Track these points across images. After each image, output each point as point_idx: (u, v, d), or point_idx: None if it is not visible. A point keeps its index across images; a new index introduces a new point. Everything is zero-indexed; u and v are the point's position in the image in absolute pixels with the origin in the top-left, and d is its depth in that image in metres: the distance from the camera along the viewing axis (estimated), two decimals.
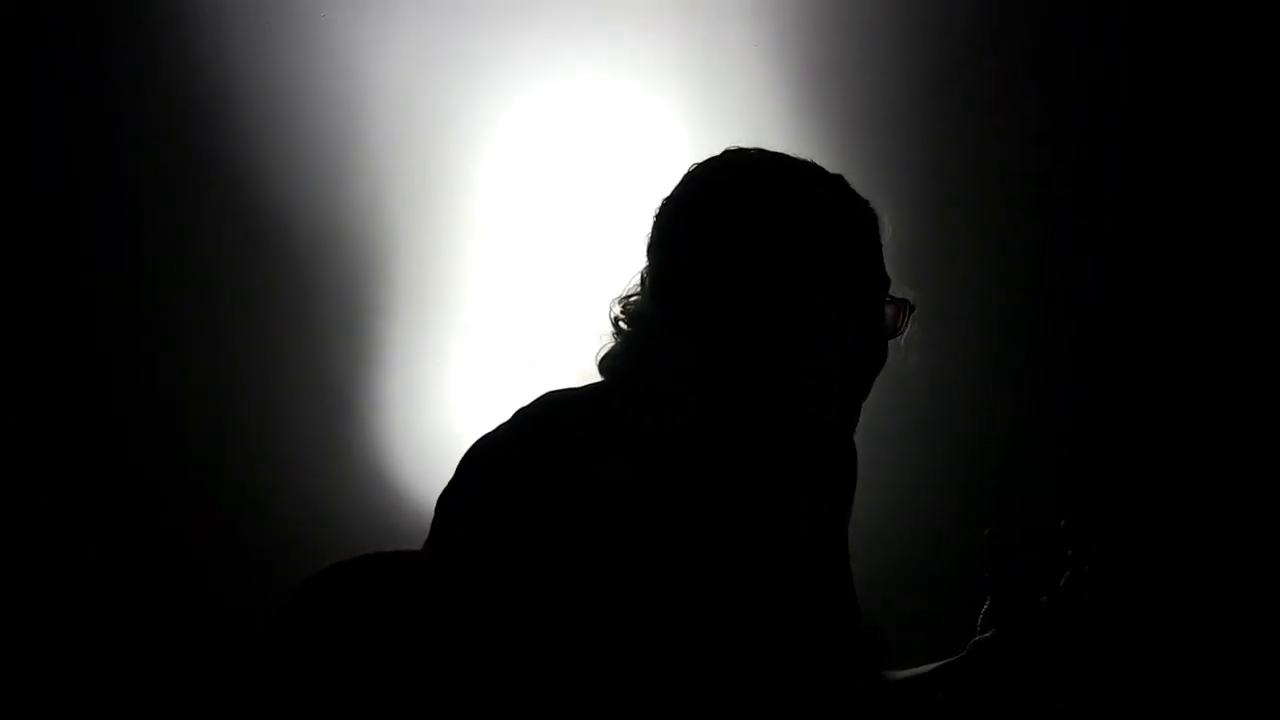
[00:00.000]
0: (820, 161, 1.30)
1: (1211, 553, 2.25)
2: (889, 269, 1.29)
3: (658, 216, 1.29)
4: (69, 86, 1.96)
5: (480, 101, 2.10)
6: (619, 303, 1.31)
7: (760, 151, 1.29)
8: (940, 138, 2.30)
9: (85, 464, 2.01)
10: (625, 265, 1.31)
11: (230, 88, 2.01)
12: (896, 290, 1.30)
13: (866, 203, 1.28)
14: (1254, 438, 2.29)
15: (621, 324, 1.30)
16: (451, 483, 1.22)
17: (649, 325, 1.27)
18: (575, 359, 1.36)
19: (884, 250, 1.29)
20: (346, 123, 2.06)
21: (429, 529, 1.24)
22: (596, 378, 1.32)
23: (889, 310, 1.27)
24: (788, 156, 1.28)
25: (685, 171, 1.30)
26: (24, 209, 1.96)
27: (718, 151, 1.30)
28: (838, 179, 1.28)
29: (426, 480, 2.09)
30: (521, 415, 1.25)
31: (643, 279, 1.29)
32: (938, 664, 1.40)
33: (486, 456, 1.22)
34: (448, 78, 2.09)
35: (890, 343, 1.30)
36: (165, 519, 2.05)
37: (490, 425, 1.26)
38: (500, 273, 2.12)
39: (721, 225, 1.24)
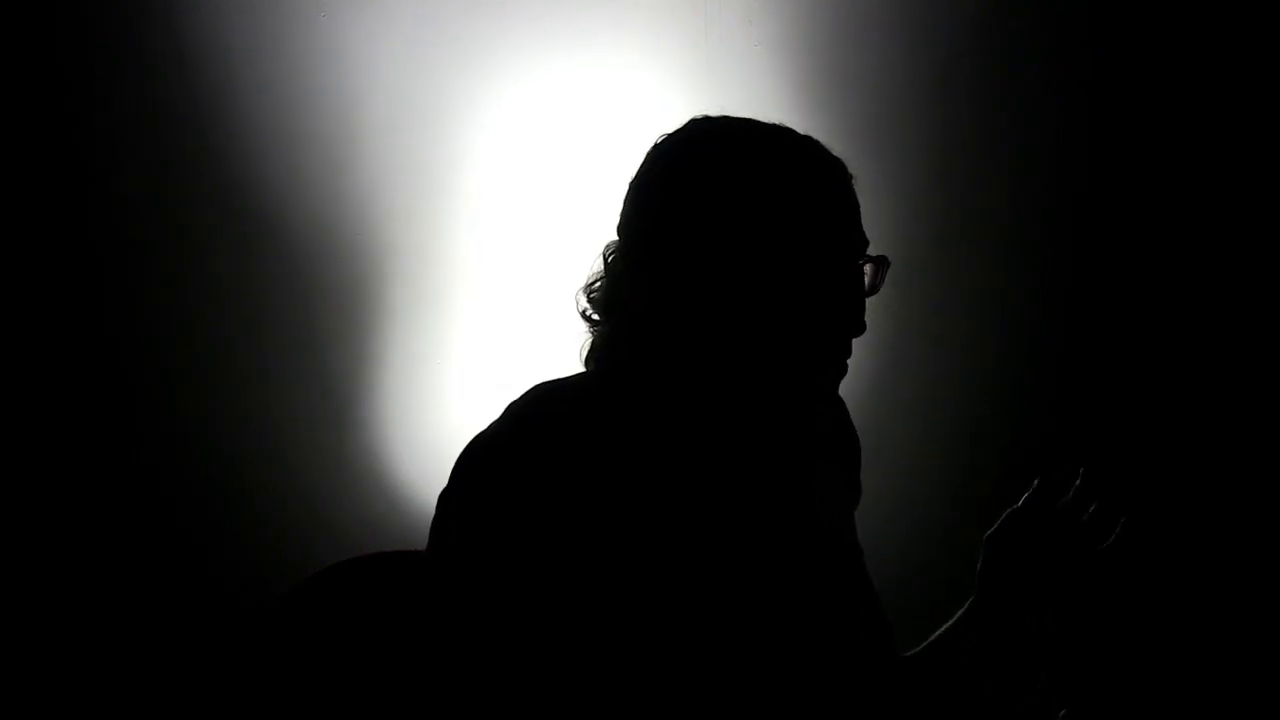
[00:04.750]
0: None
1: (1207, 549, 2.26)
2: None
3: (629, 194, 1.27)
4: (64, 87, 1.95)
5: (477, 98, 2.10)
6: (584, 293, 1.29)
7: (727, 118, 1.27)
8: (944, 132, 2.30)
9: (81, 464, 2.01)
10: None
11: (228, 87, 2.01)
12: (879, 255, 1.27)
13: (840, 162, 1.26)
14: (1259, 440, 2.29)
15: (590, 315, 1.28)
16: (449, 483, 1.22)
17: (627, 306, 1.25)
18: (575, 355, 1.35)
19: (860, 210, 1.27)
20: (343, 119, 2.06)
21: (429, 529, 1.24)
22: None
23: (867, 269, 1.25)
24: (757, 121, 1.26)
25: (651, 145, 1.27)
26: (19, 210, 1.96)
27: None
28: (809, 140, 1.26)
29: (426, 480, 2.09)
30: (513, 410, 1.24)
31: (606, 262, 1.27)
32: (945, 628, 1.41)
33: (481, 455, 1.21)
34: (444, 72, 2.08)
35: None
36: (162, 520, 2.05)
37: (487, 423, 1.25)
38: (498, 270, 2.11)
39: (697, 195, 1.21)
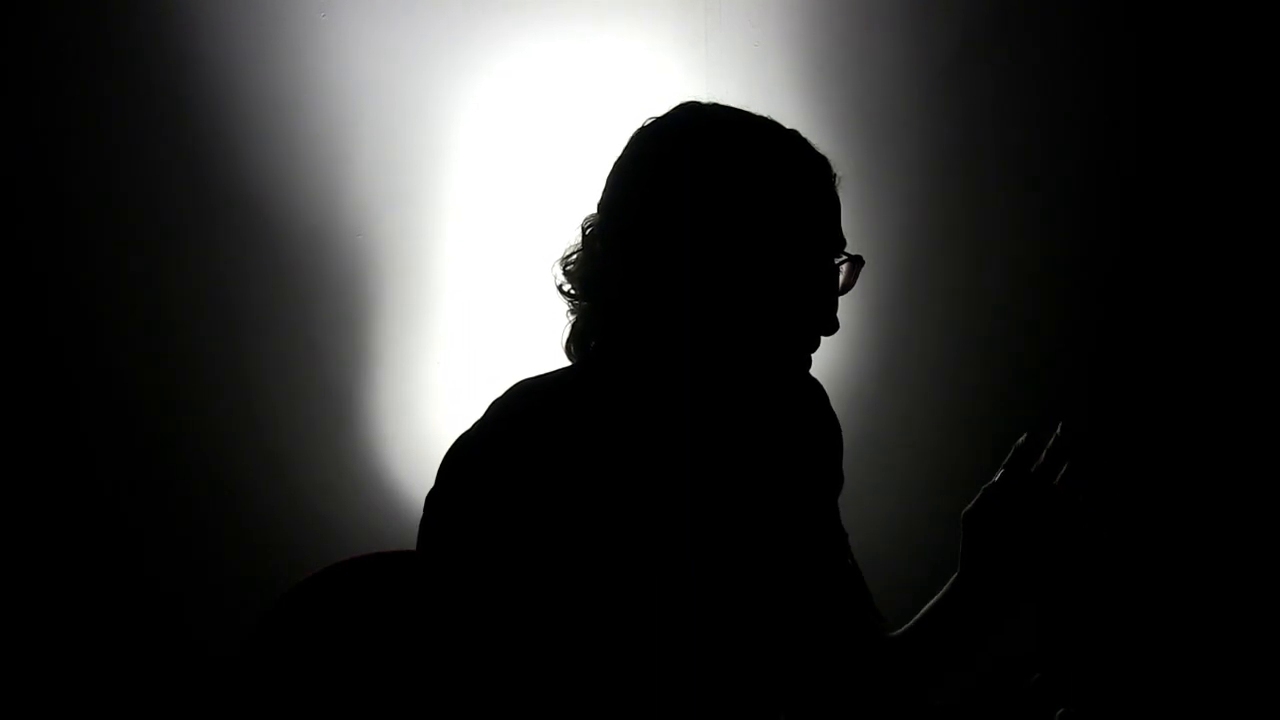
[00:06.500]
0: (823, 153, 1.28)
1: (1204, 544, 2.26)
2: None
3: (613, 173, 1.27)
4: (62, 87, 1.96)
5: (476, 99, 2.09)
6: (560, 265, 1.28)
7: (715, 105, 1.27)
8: (944, 131, 2.29)
9: (78, 464, 2.01)
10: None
11: (224, 87, 2.01)
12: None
13: (824, 160, 1.25)
14: (1254, 430, 2.30)
15: (567, 290, 1.28)
16: (435, 484, 1.22)
17: (606, 290, 1.24)
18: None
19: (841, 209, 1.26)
20: (340, 120, 2.06)
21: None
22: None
23: (843, 268, 1.25)
24: (744, 111, 1.26)
25: (639, 127, 1.27)
26: (18, 210, 1.96)
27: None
28: (794, 135, 1.25)
29: (419, 481, 2.09)
30: (495, 409, 1.24)
31: (585, 235, 1.27)
32: (929, 606, 1.40)
33: (465, 455, 1.21)
34: (443, 74, 2.08)
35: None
36: (158, 521, 2.05)
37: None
38: (497, 269, 2.11)
39: (679, 180, 1.20)
